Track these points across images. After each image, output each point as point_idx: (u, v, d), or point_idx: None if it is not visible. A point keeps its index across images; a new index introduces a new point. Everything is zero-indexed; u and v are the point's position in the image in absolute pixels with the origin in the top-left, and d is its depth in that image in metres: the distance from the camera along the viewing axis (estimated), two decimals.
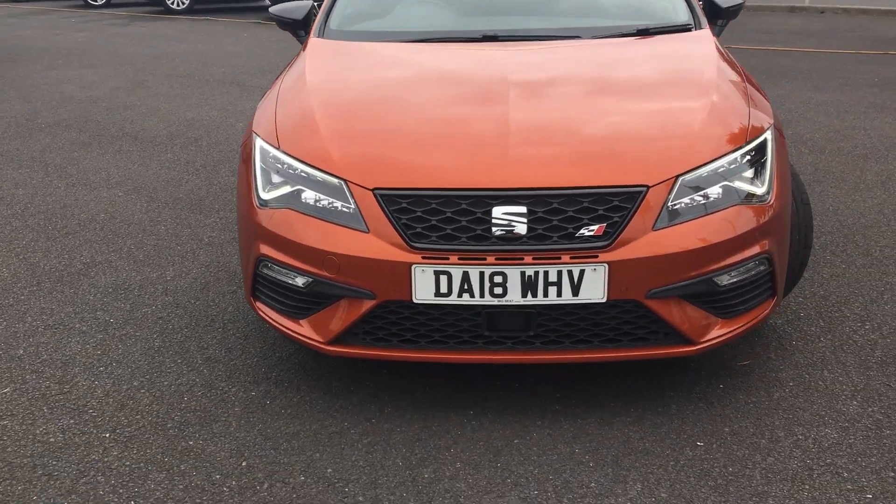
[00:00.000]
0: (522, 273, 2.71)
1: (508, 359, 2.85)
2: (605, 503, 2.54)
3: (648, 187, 2.75)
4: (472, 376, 3.20)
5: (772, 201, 2.94)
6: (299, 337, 3.00)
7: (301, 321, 2.99)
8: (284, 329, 3.05)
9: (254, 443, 2.87)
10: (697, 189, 2.82)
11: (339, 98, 3.36)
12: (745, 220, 2.85)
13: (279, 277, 2.98)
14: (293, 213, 2.93)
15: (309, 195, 2.91)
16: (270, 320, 3.09)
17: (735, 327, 2.96)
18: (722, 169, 2.87)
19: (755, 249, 2.88)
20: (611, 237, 2.71)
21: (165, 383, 3.25)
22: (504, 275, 2.71)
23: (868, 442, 2.80)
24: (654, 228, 2.74)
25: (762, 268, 2.95)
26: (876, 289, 3.90)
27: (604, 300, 2.75)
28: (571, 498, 2.57)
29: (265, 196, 3.02)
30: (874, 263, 4.19)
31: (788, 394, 3.08)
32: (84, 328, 3.70)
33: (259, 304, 3.14)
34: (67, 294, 4.05)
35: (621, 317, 2.82)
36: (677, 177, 2.79)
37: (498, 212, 2.71)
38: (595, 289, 2.73)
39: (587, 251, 2.70)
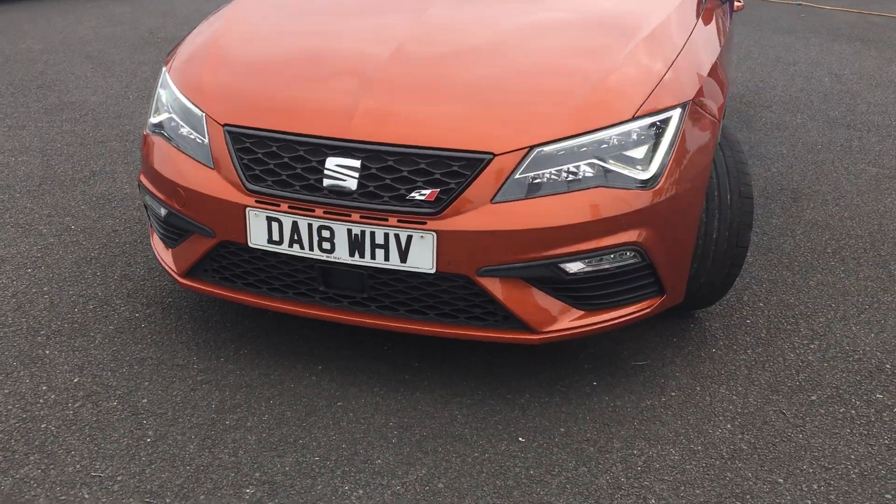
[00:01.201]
0: (349, 231, 2.57)
1: (342, 318, 2.72)
2: (375, 482, 2.40)
3: (494, 155, 2.51)
4: (362, 335, 3.09)
5: (659, 188, 2.60)
6: (164, 265, 3.01)
7: (169, 250, 2.99)
8: (157, 256, 3.06)
9: (99, 362, 2.92)
10: (558, 164, 2.54)
11: (239, 27, 3.25)
12: (611, 204, 2.55)
13: (151, 205, 2.99)
14: (163, 141, 2.92)
15: (178, 125, 2.88)
16: (153, 245, 3.12)
17: (596, 322, 2.68)
18: (592, 146, 2.57)
19: (621, 238, 2.58)
20: (442, 205, 2.50)
21: (70, 293, 3.36)
22: (331, 230, 2.58)
23: (706, 472, 2.47)
24: (492, 201, 2.50)
25: (633, 261, 2.64)
26: (859, 306, 3.40)
27: (432, 271, 2.56)
28: (346, 471, 2.44)
29: (151, 121, 3.03)
30: (880, 278, 3.65)
31: (661, 404, 2.76)
32: (45, 230, 3.88)
33: (151, 229, 3.18)
34: (57, 196, 4.26)
35: (454, 292, 2.62)
36: (531, 148, 2.53)
37: (331, 163, 2.57)
38: (423, 258, 2.54)
39: (415, 216, 2.51)
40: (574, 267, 2.58)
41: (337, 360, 2.95)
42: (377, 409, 2.71)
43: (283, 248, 2.65)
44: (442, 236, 2.51)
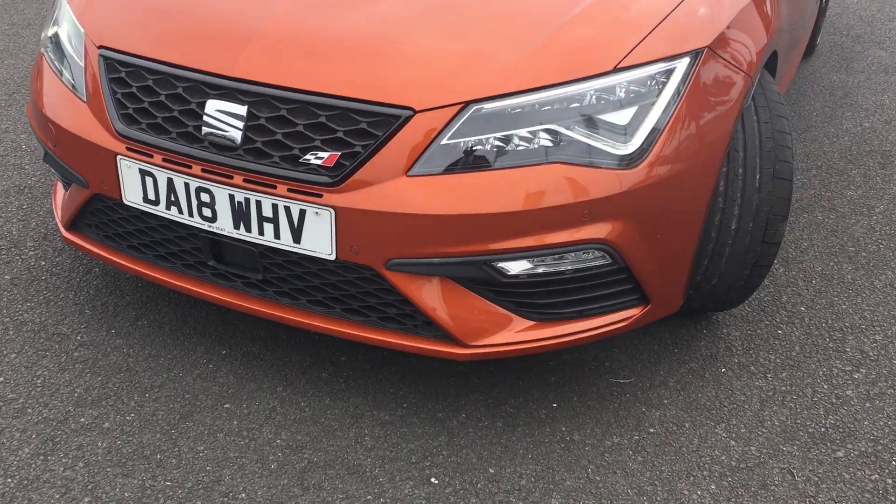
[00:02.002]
0: (231, 197, 2.00)
1: (232, 303, 2.17)
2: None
3: (414, 112, 1.87)
4: None
5: (644, 166, 1.92)
6: (54, 211, 2.51)
7: (65, 193, 2.48)
8: (53, 198, 2.56)
9: None
10: (505, 127, 1.89)
11: None
12: (572, 186, 1.89)
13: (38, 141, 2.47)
14: (45, 62, 2.38)
15: (60, 43, 2.33)
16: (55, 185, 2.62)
17: (549, 337, 2.05)
18: (555, 105, 1.90)
19: (582, 233, 1.92)
20: (342, 173, 1.89)
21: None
22: (211, 194, 2.01)
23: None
24: (408, 173, 1.88)
25: (600, 262, 1.98)
26: None
27: (332, 258, 1.96)
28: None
29: (42, 34, 2.49)
30: None
31: (631, 444, 2.13)
32: None
33: None
34: (23, 109, 3.81)
35: (362, 286, 2.03)
36: (467, 104, 1.87)
37: (212, 107, 1.98)
38: (320, 240, 1.95)
39: (310, 186, 1.91)
40: (516, 267, 1.94)
41: (249, 344, 2.41)
42: (269, 417, 2.17)
43: (161, 210, 2.10)
44: (342, 215, 1.91)
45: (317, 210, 1.91)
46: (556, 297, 2.03)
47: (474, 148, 1.88)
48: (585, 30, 1.99)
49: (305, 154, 1.91)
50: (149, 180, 2.07)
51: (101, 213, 2.28)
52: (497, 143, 1.89)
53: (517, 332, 2.03)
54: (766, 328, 2.56)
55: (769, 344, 2.50)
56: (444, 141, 1.87)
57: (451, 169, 1.88)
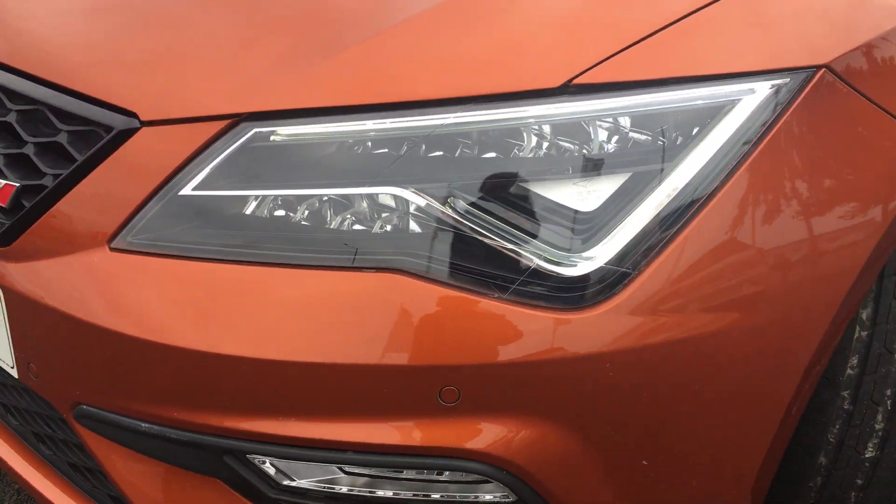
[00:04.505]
0: None
1: None
2: None
3: (139, 123, 0.92)
4: None
5: (618, 308, 0.85)
6: None
7: None
8: None
9: None
10: (300, 178, 0.90)
11: None
12: (418, 328, 0.85)
13: None
14: None
15: None
16: None
17: None
18: (405, 142, 0.87)
19: (435, 436, 0.87)
20: (11, 221, 0.99)
21: None
22: None
23: None
24: (111, 243, 0.93)
25: (485, 496, 0.91)
26: None
27: (14, 372, 1.05)
28: None
29: None
30: None
31: None
32: None
33: None
34: None
35: (57, 430, 1.09)
36: (239, 119, 0.89)
37: None
38: (1, 338, 1.05)
39: None
40: (291, 472, 0.92)
41: None
42: None
43: None
44: (12, 301, 0.99)
45: None
46: None
47: (246, 210, 0.90)
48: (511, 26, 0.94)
49: None
50: None
51: None
52: (285, 209, 0.89)
53: None
54: None
55: None
56: (189, 189, 0.90)
57: (190, 246, 0.90)
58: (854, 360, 1.07)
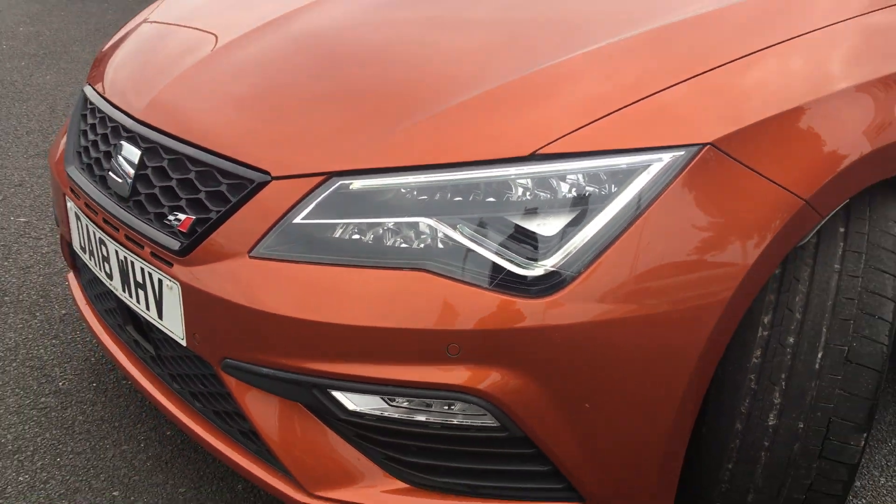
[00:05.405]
0: (117, 254, 1.74)
1: (132, 377, 1.88)
2: None
3: (271, 178, 1.47)
4: None
5: (563, 297, 1.33)
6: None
7: None
8: None
9: None
10: (375, 213, 1.42)
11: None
12: (432, 305, 1.36)
13: None
14: None
15: None
16: None
17: None
18: (436, 192, 1.39)
19: (446, 376, 1.37)
20: (190, 241, 1.54)
21: None
22: (107, 248, 1.78)
23: None
24: (251, 253, 1.47)
25: (480, 423, 1.40)
26: None
27: (184, 343, 1.61)
28: None
29: None
30: None
31: None
32: None
33: None
34: None
35: (208, 386, 1.64)
36: (330, 175, 1.44)
37: (122, 150, 1.75)
38: (175, 318, 1.62)
39: (164, 252, 1.59)
40: (353, 402, 1.42)
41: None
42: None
43: (87, 260, 1.91)
44: (186, 292, 1.55)
45: (170, 283, 1.57)
46: (435, 458, 1.46)
47: (333, 234, 1.43)
48: (506, 105, 1.44)
49: (173, 212, 1.59)
50: (80, 225, 1.89)
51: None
52: (359, 233, 1.41)
53: (380, 493, 1.49)
54: None
55: None
56: (297, 220, 1.44)
57: (299, 256, 1.43)
58: (758, 353, 1.49)
